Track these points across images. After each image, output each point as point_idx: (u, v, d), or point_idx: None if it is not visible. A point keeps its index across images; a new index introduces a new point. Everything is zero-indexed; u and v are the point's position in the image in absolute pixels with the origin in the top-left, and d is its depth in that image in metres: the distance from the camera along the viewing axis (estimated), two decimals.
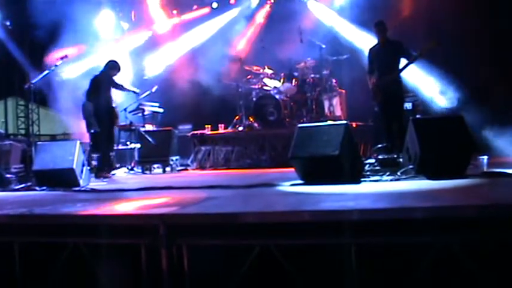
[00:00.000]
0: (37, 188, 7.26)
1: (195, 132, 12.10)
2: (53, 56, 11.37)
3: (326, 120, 9.96)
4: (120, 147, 11.92)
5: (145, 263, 4.00)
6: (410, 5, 12.01)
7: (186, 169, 11.37)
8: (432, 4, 11.46)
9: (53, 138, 14.47)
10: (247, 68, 12.15)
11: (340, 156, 6.11)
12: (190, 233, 3.99)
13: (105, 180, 8.92)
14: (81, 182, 7.28)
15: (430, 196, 4.65)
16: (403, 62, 9.05)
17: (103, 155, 9.83)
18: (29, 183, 7.64)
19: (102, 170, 9.57)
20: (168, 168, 11.09)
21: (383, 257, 3.63)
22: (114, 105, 9.89)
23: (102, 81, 9.80)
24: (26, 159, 9.59)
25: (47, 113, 13.97)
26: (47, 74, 10.05)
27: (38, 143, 8.98)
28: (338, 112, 11.78)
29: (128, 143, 11.51)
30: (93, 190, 6.89)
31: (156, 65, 14.32)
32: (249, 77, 12.19)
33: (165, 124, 12.38)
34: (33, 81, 9.63)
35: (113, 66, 10.01)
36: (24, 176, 8.61)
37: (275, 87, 11.75)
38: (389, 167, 7.15)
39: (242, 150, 11.30)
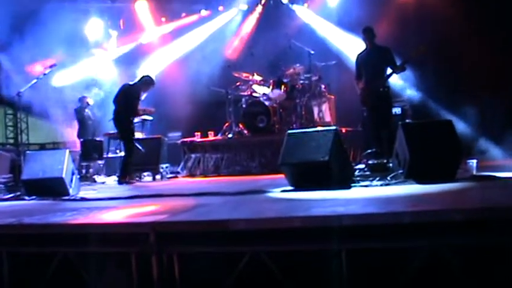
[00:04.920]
0: (26, 198, 7.21)
1: (185, 139, 12.08)
2: (41, 64, 11.31)
3: (315, 126, 9.97)
4: (110, 155, 11.90)
5: (135, 272, 3.98)
6: (399, 9, 12.11)
7: (176, 177, 11.35)
8: (421, 8, 11.57)
9: (42, 147, 14.37)
10: (236, 74, 12.13)
11: (329, 162, 6.12)
12: (181, 240, 3.98)
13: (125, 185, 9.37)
14: (70, 191, 7.25)
15: (420, 200, 4.66)
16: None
17: (124, 161, 9.88)
18: (18, 193, 7.58)
19: (124, 176, 9.72)
20: (158, 176, 11.05)
21: (373, 262, 3.64)
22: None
23: (132, 92, 9.88)
24: (15, 168, 9.53)
25: (35, 122, 13.88)
26: (35, 82, 10.02)
27: (27, 152, 8.93)
28: (327, 118, 11.80)
29: (118, 151, 11.47)
30: (82, 199, 6.86)
31: (144, 73, 14.27)
32: (238, 83, 12.17)
33: (154, 132, 12.35)
34: (22, 89, 9.60)
35: (147, 82, 10.03)
36: (13, 186, 8.55)
37: (264, 93, 11.73)
38: (379, 172, 7.17)
39: (232, 157, 11.28)
